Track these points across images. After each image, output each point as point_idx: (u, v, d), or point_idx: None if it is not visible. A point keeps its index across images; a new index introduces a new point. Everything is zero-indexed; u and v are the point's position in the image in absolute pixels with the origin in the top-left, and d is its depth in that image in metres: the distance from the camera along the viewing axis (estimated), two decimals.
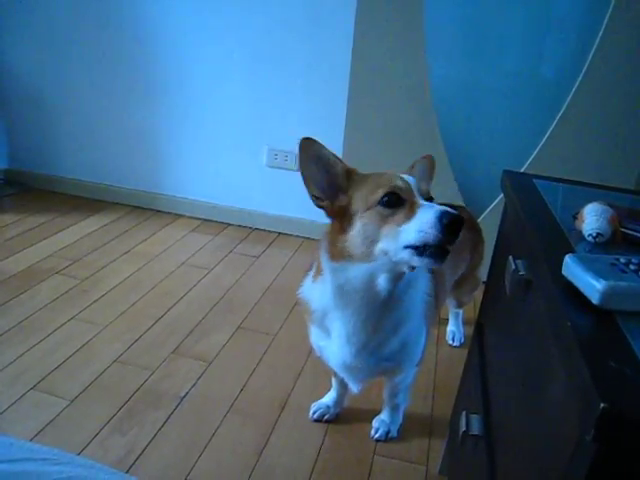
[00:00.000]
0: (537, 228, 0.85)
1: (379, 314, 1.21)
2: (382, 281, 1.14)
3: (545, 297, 0.70)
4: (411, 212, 1.05)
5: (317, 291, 1.28)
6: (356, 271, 1.14)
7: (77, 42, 2.96)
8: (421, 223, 1.02)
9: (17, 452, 0.69)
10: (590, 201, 0.87)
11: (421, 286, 1.25)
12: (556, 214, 0.92)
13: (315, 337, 1.42)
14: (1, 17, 3.03)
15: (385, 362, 1.33)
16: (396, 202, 1.08)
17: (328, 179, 1.16)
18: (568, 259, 0.66)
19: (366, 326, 1.23)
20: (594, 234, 0.80)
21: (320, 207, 1.18)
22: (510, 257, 0.88)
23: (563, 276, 0.67)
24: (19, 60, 3.11)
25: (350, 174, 1.17)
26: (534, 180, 1.15)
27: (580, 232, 0.83)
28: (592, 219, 0.81)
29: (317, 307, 1.30)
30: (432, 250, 1.01)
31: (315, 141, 1.14)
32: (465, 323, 2.22)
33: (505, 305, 1.02)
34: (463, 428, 0.99)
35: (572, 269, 0.65)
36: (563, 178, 1.20)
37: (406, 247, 1.04)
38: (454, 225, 0.99)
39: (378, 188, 1.10)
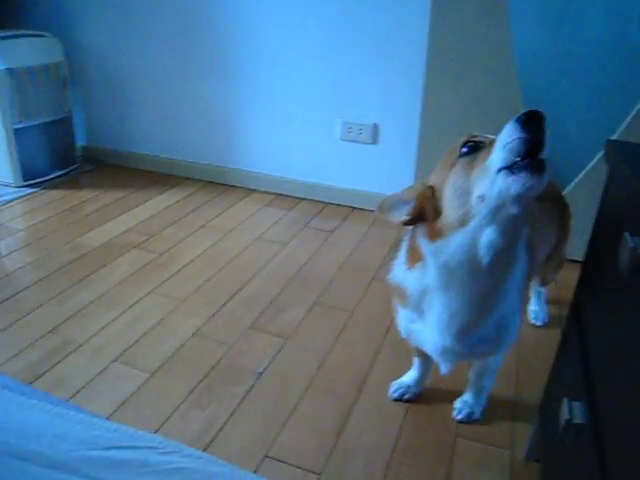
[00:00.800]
0: None
1: (483, 289, 1.15)
2: (488, 237, 1.06)
3: None
4: (492, 147, 1.02)
5: (415, 277, 1.23)
6: (458, 239, 1.08)
7: (150, 20, 2.98)
8: (502, 138, 0.99)
9: (122, 438, 0.68)
10: None
11: (521, 262, 1.18)
12: None
13: (405, 320, 1.37)
14: None
15: (484, 343, 1.28)
16: (476, 147, 1.06)
17: (414, 202, 1.17)
18: None
19: (470, 305, 1.18)
20: None
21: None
22: (626, 234, 0.80)
23: None
24: (95, 39, 3.16)
25: (424, 184, 1.17)
26: None
27: None
28: None
29: (414, 292, 1.25)
30: (526, 161, 0.96)
31: (382, 204, 1.19)
32: (547, 302, 2.12)
33: (616, 285, 0.94)
34: (566, 416, 0.93)
35: None
36: None
37: (499, 172, 0.99)
38: (534, 118, 0.95)
39: (454, 150, 1.10)
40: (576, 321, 1.18)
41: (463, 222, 1.07)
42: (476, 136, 1.09)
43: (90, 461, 0.63)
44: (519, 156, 0.96)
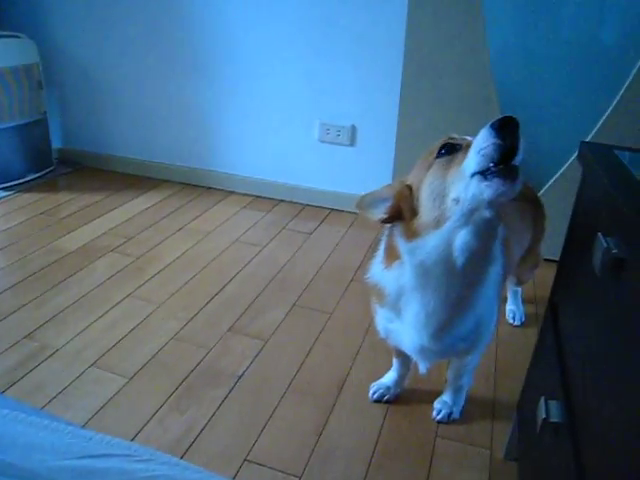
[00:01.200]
0: (631, 203, 0.78)
1: (459, 290, 1.16)
2: (462, 239, 1.07)
3: None
4: (468, 150, 1.02)
5: (392, 276, 1.23)
6: (433, 240, 1.09)
7: (127, 22, 2.95)
8: (477, 144, 0.99)
9: (97, 447, 0.66)
10: None
11: (497, 262, 1.19)
12: None
13: (384, 320, 1.38)
14: None
15: (461, 342, 1.29)
16: (452, 149, 1.07)
17: (392, 201, 1.18)
18: None
19: (446, 304, 1.18)
20: None
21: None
22: (599, 234, 0.81)
23: None
24: (71, 41, 3.13)
25: (402, 182, 1.18)
26: (615, 151, 1.07)
27: None
28: None
29: (392, 291, 1.26)
30: (499, 168, 0.97)
31: (361, 200, 1.20)
32: (525, 301, 2.15)
33: (590, 285, 0.95)
34: (543, 415, 0.94)
35: None
36: None
37: (473, 176, 1.00)
38: (509, 125, 0.96)
39: (433, 150, 1.11)
40: (552, 321, 1.19)
41: (438, 223, 1.08)
42: (454, 138, 1.10)
43: (64, 471, 0.62)
44: (493, 162, 0.97)
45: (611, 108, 2.22)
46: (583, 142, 1.13)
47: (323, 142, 2.86)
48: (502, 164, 0.97)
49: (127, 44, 3.01)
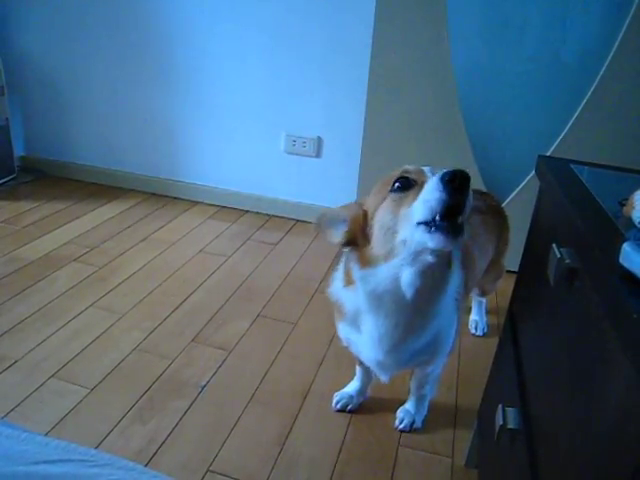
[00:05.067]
0: (584, 215, 0.81)
1: (410, 317, 1.19)
2: (408, 277, 1.10)
3: (601, 287, 0.66)
4: (421, 189, 1.03)
5: (349, 296, 1.26)
6: (383, 272, 1.12)
7: (91, 29, 2.93)
8: (426, 192, 1.00)
9: (53, 452, 0.65)
10: (635, 187, 0.82)
11: (453, 285, 1.21)
12: (600, 200, 0.88)
13: (345, 332, 1.40)
14: (15, 3, 3.00)
15: (419, 355, 1.31)
16: (407, 185, 1.07)
17: (348, 226, 1.19)
18: (627, 247, 0.62)
19: (397, 329, 1.22)
20: None
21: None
22: (554, 245, 0.84)
23: (620, 265, 0.63)
24: (33, 47, 3.09)
25: (361, 205, 1.19)
26: (571, 165, 1.10)
27: (629, 219, 0.79)
28: None
29: (350, 309, 1.29)
30: (442, 224, 0.97)
31: (319, 220, 1.22)
32: (487, 312, 2.18)
33: (545, 294, 0.98)
34: (500, 422, 0.96)
35: (633, 257, 0.61)
36: (601, 163, 1.15)
37: (419, 224, 1.01)
38: (456, 180, 0.95)
39: (389, 181, 1.10)
40: (511, 330, 1.21)
41: (388, 257, 1.10)
42: (409, 172, 1.09)
43: (18, 477, 0.60)
44: (436, 215, 0.98)
45: (571, 123, 2.28)
46: (541, 156, 1.16)
47: (289, 153, 2.88)
48: (446, 219, 0.98)
49: (93, 52, 2.99)
